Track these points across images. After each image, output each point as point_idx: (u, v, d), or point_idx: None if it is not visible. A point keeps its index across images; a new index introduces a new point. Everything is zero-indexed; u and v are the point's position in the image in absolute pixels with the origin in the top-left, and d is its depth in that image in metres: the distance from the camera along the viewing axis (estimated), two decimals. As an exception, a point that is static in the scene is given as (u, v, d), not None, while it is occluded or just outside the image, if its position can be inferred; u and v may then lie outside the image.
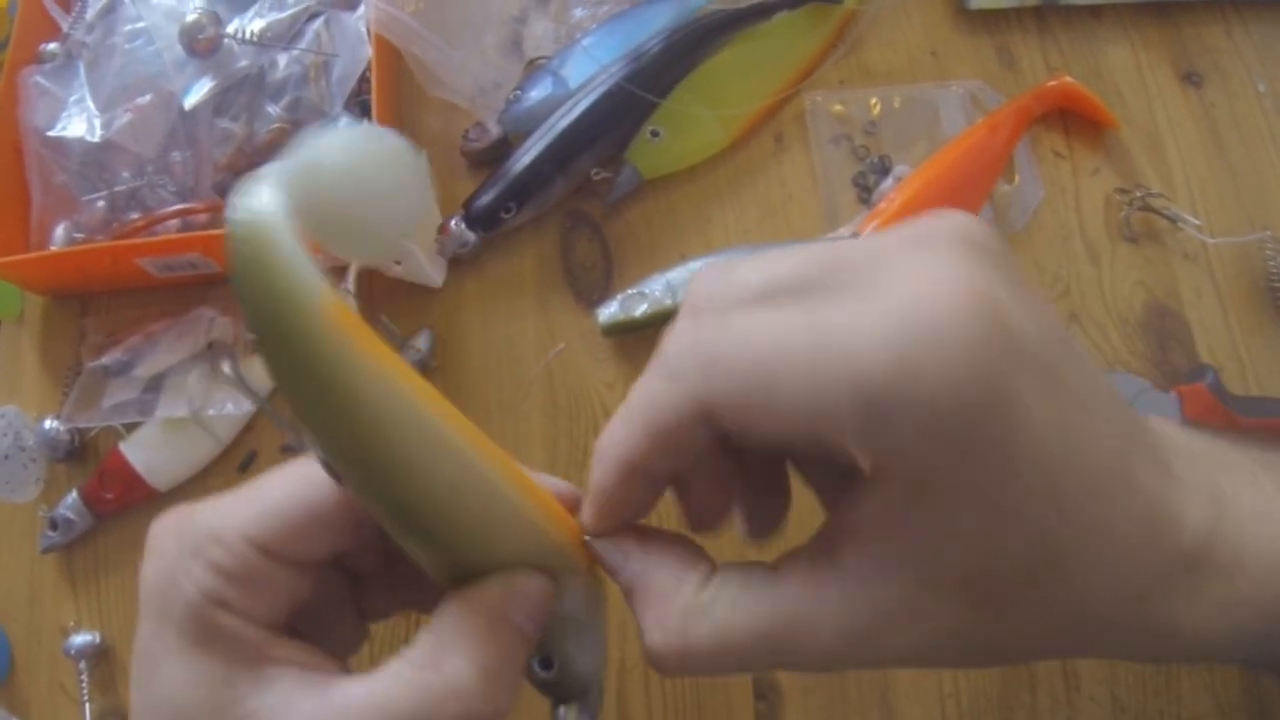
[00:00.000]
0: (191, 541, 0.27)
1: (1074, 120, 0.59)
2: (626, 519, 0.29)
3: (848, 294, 0.23)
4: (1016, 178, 0.57)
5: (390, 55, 0.55)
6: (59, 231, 0.55)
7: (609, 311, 0.51)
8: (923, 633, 0.24)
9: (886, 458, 0.23)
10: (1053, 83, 0.58)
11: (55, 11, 0.59)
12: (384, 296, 0.53)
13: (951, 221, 0.24)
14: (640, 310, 0.51)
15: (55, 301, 0.57)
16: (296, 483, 0.28)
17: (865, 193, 0.56)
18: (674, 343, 0.26)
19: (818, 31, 0.59)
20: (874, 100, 0.58)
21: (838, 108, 0.58)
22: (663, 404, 0.25)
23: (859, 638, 0.24)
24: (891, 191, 0.54)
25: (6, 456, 0.52)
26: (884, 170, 0.57)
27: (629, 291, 0.51)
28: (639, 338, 0.53)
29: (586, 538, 0.29)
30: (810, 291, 0.24)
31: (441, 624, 0.27)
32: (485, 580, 0.27)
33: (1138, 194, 0.57)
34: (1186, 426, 0.30)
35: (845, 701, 0.47)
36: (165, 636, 0.27)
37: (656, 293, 0.51)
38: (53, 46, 0.58)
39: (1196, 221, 0.56)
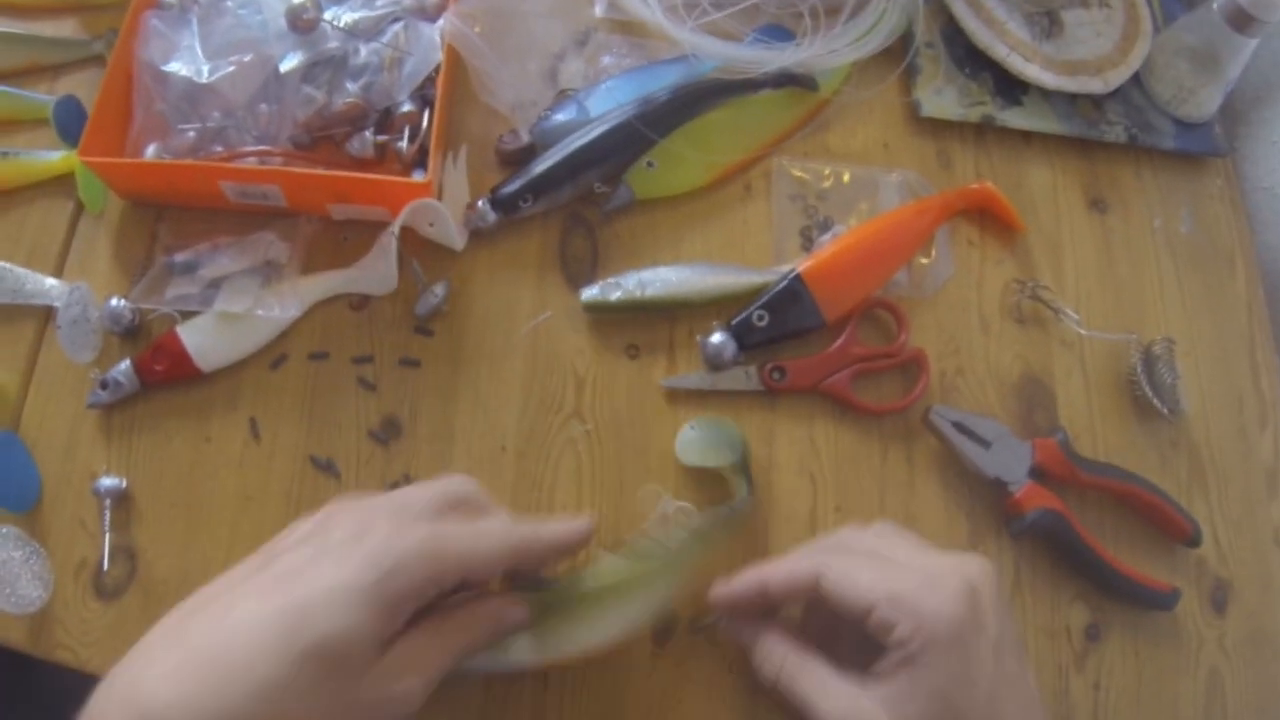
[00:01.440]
0: None
1: (990, 219, 0.69)
2: (737, 610, 0.51)
3: (907, 565, 0.45)
4: (934, 254, 0.67)
5: (455, 63, 0.64)
6: (150, 150, 0.63)
7: (590, 292, 0.61)
8: None
9: (907, 650, 0.42)
10: (976, 185, 0.69)
11: None
12: (416, 249, 0.62)
13: (961, 573, 0.44)
14: (615, 296, 0.61)
15: (133, 207, 0.65)
16: None
17: (808, 242, 0.67)
18: (818, 549, 0.49)
19: (794, 109, 0.69)
20: (828, 172, 0.69)
21: (798, 173, 0.69)
22: (803, 571, 0.46)
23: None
24: (829, 243, 0.65)
25: (74, 322, 0.60)
26: (826, 227, 0.67)
27: (608, 280, 0.62)
28: (609, 319, 0.63)
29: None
30: (888, 559, 0.46)
31: None
32: None
33: (1030, 285, 0.66)
34: None
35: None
36: None
37: (630, 285, 0.61)
38: None
39: (1076, 316, 0.66)
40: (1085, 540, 0.58)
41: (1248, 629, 0.60)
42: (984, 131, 0.72)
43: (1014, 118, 0.72)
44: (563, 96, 0.67)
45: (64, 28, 0.72)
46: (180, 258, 0.61)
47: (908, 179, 0.69)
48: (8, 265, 0.62)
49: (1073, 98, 0.74)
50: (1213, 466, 0.64)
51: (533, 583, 0.49)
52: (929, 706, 0.41)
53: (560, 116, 0.65)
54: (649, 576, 0.50)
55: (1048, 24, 0.76)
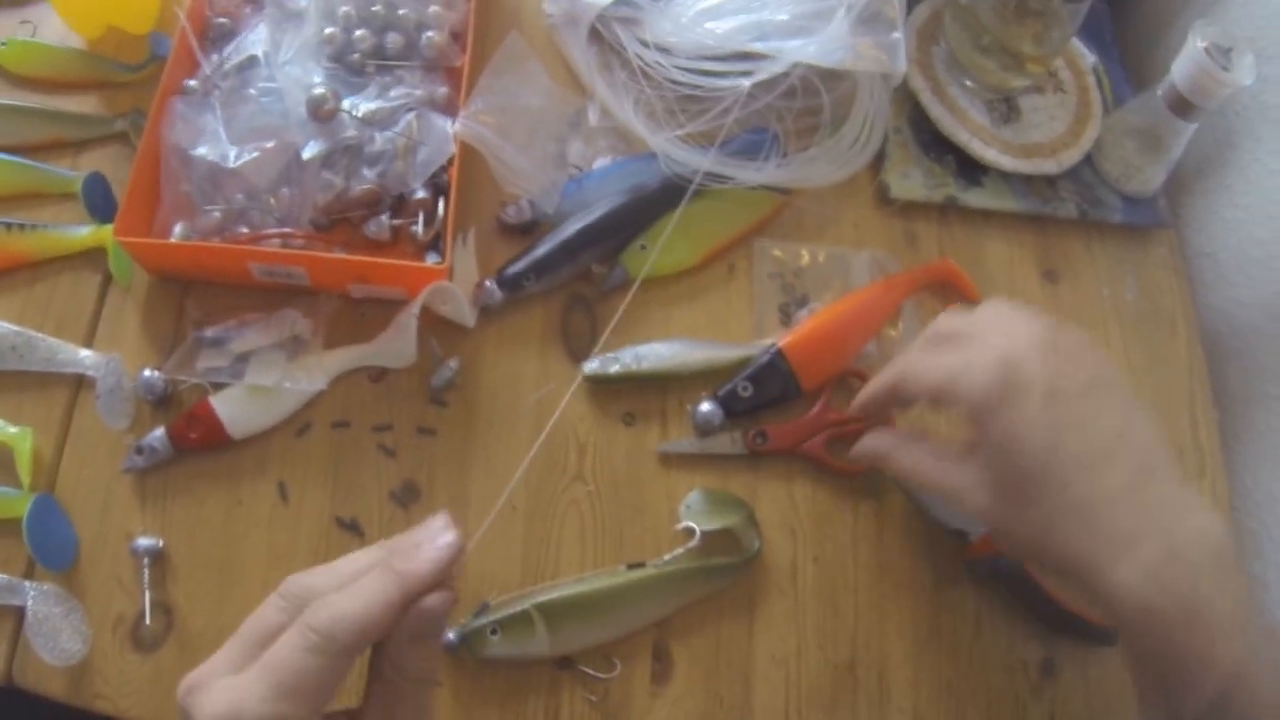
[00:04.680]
0: None
1: (952, 292, 0.74)
2: (873, 413, 0.61)
3: (975, 354, 0.51)
4: (901, 326, 0.72)
5: (466, 156, 0.68)
6: (177, 229, 0.67)
7: (591, 366, 0.66)
8: (987, 497, 0.51)
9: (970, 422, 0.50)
10: (938, 262, 0.74)
11: (199, 53, 0.73)
12: (433, 327, 0.66)
13: (1017, 326, 0.51)
14: (613, 369, 0.66)
15: (160, 281, 0.69)
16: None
17: (786, 317, 0.72)
18: (917, 353, 0.56)
19: (772, 200, 0.74)
20: (804, 253, 0.74)
21: (777, 253, 0.74)
22: (912, 372, 0.55)
23: (969, 494, 0.51)
24: (804, 321, 0.71)
25: (111, 391, 0.63)
26: (803, 303, 0.73)
27: (607, 355, 0.66)
28: (608, 389, 0.67)
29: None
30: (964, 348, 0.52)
31: None
32: None
33: None
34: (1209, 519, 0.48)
35: (718, 676, 0.61)
36: None
37: (627, 359, 0.66)
38: (192, 83, 0.71)
39: None
40: (1038, 583, 0.61)
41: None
42: (947, 210, 0.77)
43: (975, 198, 0.78)
44: (574, 174, 0.72)
45: (86, 103, 0.76)
46: (210, 332, 0.65)
47: (876, 257, 0.74)
48: (40, 335, 0.66)
49: (1028, 177, 0.80)
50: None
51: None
52: (996, 463, 0.49)
53: (563, 197, 0.70)
54: (654, 586, 0.60)
55: (1006, 110, 0.83)
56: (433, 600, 0.38)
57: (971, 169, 0.80)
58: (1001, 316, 0.53)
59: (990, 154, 0.79)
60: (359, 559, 0.39)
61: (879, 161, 0.78)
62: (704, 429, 0.66)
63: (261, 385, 0.63)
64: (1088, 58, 0.87)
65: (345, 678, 0.36)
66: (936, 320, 0.56)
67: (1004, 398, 0.48)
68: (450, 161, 0.67)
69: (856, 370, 0.69)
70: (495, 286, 0.66)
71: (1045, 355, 0.48)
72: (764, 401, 0.66)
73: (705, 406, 0.66)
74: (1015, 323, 0.51)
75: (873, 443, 0.60)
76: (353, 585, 0.37)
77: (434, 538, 0.39)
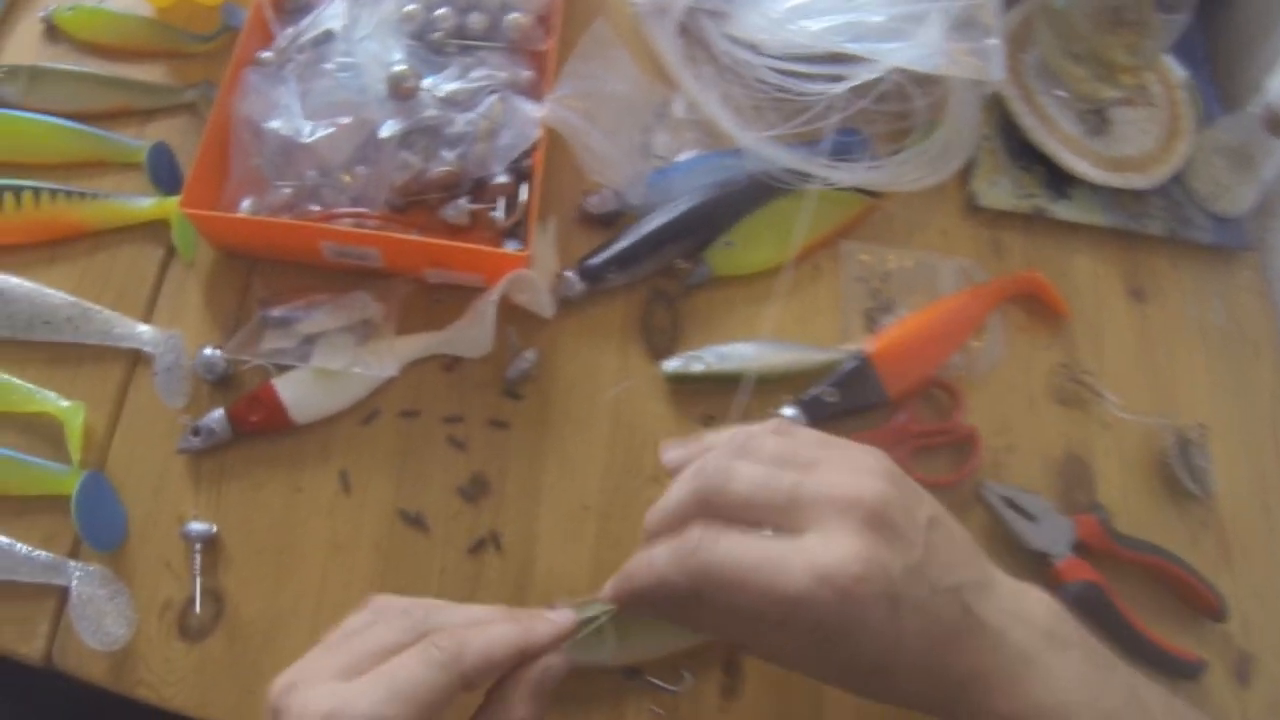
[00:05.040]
0: None
1: (1037, 304, 0.71)
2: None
3: (790, 549, 0.39)
4: (986, 337, 0.69)
5: (551, 142, 0.66)
6: (245, 204, 0.65)
7: (673, 364, 0.64)
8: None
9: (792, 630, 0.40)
10: (1026, 273, 0.71)
11: (274, 25, 0.71)
12: (509, 316, 0.64)
13: (862, 506, 0.40)
14: (696, 368, 0.64)
15: (226, 257, 0.67)
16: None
17: (871, 323, 0.69)
18: (687, 541, 0.42)
19: (860, 203, 0.72)
20: (891, 258, 0.72)
21: (864, 257, 0.72)
22: (675, 584, 0.42)
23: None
24: (891, 325, 0.68)
25: (169, 369, 0.62)
26: (889, 309, 0.70)
27: (690, 353, 0.64)
28: (689, 388, 0.65)
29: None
30: (777, 522, 0.41)
31: None
32: None
33: (1074, 371, 0.69)
34: (1034, 600, 0.44)
35: (790, 692, 0.58)
36: None
37: (710, 359, 0.64)
38: (266, 54, 0.69)
39: (1116, 399, 0.68)
40: (1121, 611, 0.59)
41: (1270, 700, 0.61)
42: (1034, 221, 0.74)
43: (1063, 210, 0.75)
44: (659, 165, 0.69)
45: (154, 73, 0.74)
46: (277, 312, 0.62)
47: (963, 266, 0.72)
48: (97, 307, 0.64)
49: (1117, 191, 0.77)
50: (1239, 544, 0.65)
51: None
52: (843, 664, 0.42)
53: (648, 188, 0.68)
54: None
55: (1097, 121, 0.80)
56: (556, 660, 0.42)
57: (1060, 180, 0.77)
58: (829, 451, 0.44)
59: (1080, 165, 0.76)
60: (477, 609, 0.42)
61: (967, 169, 0.76)
62: None
63: (328, 369, 0.60)
64: (1178, 72, 0.84)
65: (449, 709, 0.37)
66: (753, 432, 0.45)
67: (857, 616, 0.39)
68: (534, 146, 0.65)
69: (942, 381, 0.66)
70: (576, 277, 0.65)
71: (889, 538, 0.40)
72: (848, 409, 0.64)
73: (788, 411, 0.64)
74: (844, 485, 0.41)
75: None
76: (481, 624, 0.40)
77: (553, 616, 0.43)
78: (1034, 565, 0.61)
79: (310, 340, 0.62)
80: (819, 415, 0.64)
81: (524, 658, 0.41)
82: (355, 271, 0.64)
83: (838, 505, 0.40)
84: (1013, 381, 0.68)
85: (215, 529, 0.58)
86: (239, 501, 0.59)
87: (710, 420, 0.65)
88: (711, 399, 0.65)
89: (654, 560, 0.43)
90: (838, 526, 0.39)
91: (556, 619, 0.42)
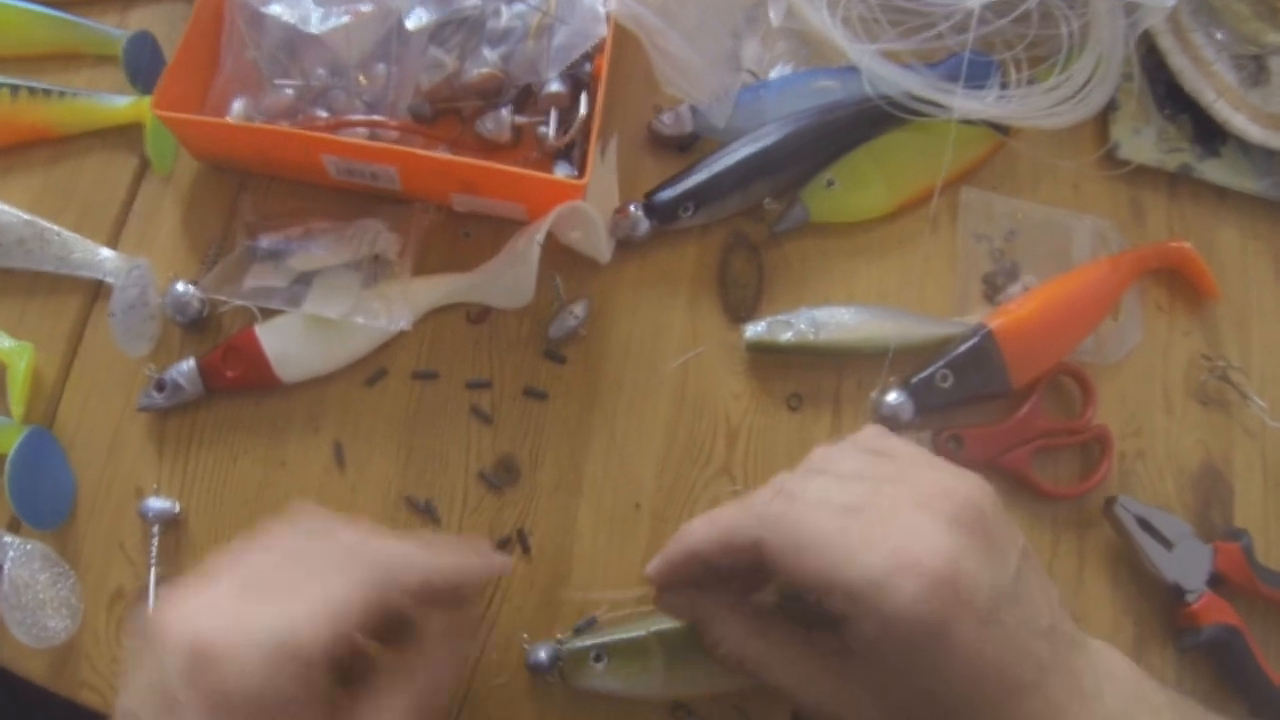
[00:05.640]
0: None
1: (1180, 282, 0.62)
2: (676, 582, 0.43)
3: (874, 524, 0.36)
4: (1121, 316, 0.60)
5: (620, 44, 0.57)
6: (237, 105, 0.56)
7: (756, 330, 0.54)
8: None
9: (857, 631, 0.36)
10: (1175, 244, 0.62)
11: None
12: (556, 259, 0.56)
13: (955, 501, 0.37)
14: (785, 336, 0.54)
15: (210, 171, 0.58)
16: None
17: (992, 291, 0.60)
18: (764, 498, 0.40)
19: (988, 140, 0.62)
20: (1018, 212, 0.62)
21: (986, 208, 0.62)
22: (739, 530, 0.39)
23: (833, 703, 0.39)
24: (1016, 298, 0.58)
25: (131, 307, 0.52)
26: (1013, 275, 0.60)
27: (778, 317, 0.54)
28: (774, 361, 0.56)
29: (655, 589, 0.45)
30: (853, 511, 0.37)
31: None
32: None
33: (1220, 364, 0.60)
34: (1118, 659, 0.40)
35: None
36: None
37: (802, 325, 0.54)
38: None
39: (1263, 404, 0.60)
40: (1260, 663, 0.53)
41: None
42: (1178, 182, 0.65)
43: (1212, 170, 0.66)
44: (748, 81, 0.60)
45: (140, -49, 0.65)
46: (265, 242, 0.54)
47: (1100, 228, 0.63)
48: (54, 228, 0.56)
49: (1271, 154, 0.67)
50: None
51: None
52: (910, 700, 0.38)
53: (735, 108, 0.58)
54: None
55: (1255, 69, 0.69)
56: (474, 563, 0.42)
57: (1210, 135, 0.67)
58: (919, 468, 0.40)
59: (1238, 120, 0.65)
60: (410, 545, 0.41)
61: (1105, 114, 0.66)
62: (889, 424, 0.54)
63: (325, 316, 0.51)
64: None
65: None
66: (813, 455, 0.43)
67: (936, 633, 0.35)
68: (598, 48, 0.55)
69: (1072, 368, 0.58)
70: (642, 214, 0.55)
71: (983, 546, 0.37)
72: (965, 396, 0.55)
73: (893, 397, 0.54)
74: (934, 520, 0.38)
75: (721, 625, 0.44)
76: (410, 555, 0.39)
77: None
78: (1163, 601, 0.55)
79: (305, 279, 0.52)
80: (931, 404, 0.55)
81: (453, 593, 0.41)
82: (366, 194, 0.56)
83: (928, 497, 0.37)
84: (1148, 371, 0.60)
85: (179, 507, 0.51)
86: (209, 474, 0.52)
87: (797, 401, 0.56)
88: (800, 375, 0.57)
89: (718, 515, 0.41)
90: (928, 520, 0.36)
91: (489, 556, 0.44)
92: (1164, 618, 0.55)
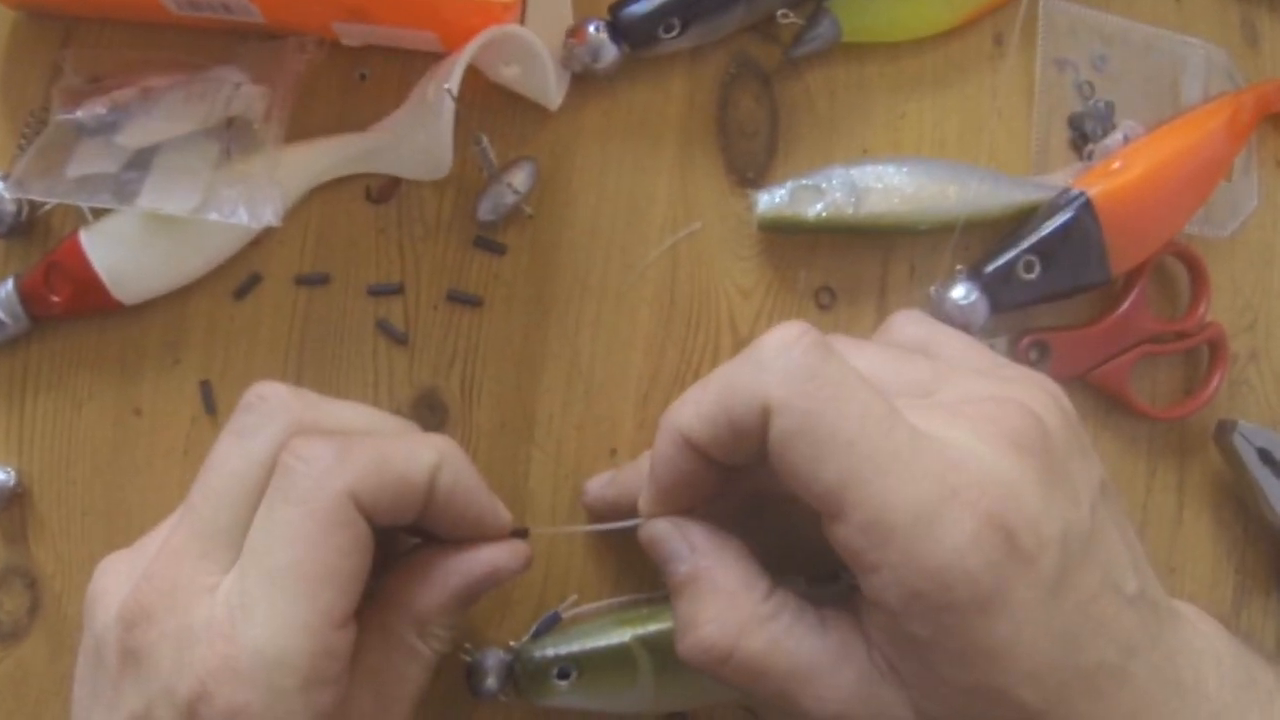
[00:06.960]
0: None
1: None
2: (680, 505, 0.33)
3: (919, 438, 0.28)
4: (1234, 178, 0.52)
5: None
6: None
7: (773, 200, 0.43)
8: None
9: (877, 591, 0.28)
10: None
11: None
12: (485, 109, 0.44)
13: (1016, 416, 0.29)
14: (813, 210, 0.42)
15: (26, 20, 0.46)
16: None
17: (1082, 139, 0.49)
18: (773, 343, 0.29)
19: None
20: (1109, 28, 0.52)
21: (1070, 22, 0.52)
22: (741, 389, 0.29)
23: (856, 712, 0.29)
24: (1117, 155, 0.48)
25: None
26: (1107, 118, 0.50)
27: (803, 181, 0.43)
28: (796, 243, 0.45)
29: (648, 519, 0.33)
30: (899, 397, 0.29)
31: None
32: None
33: None
34: (1216, 632, 0.33)
35: None
36: None
37: (837, 193, 0.42)
38: None
39: None
40: None
41: None
42: None
43: None
44: None
45: None
46: (88, 112, 0.42)
47: (1214, 58, 0.53)
48: None
49: None
50: None
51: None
52: (950, 702, 0.30)
53: None
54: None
55: None
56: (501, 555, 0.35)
57: None
58: (967, 370, 0.34)
59: None
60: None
61: None
62: (955, 326, 0.44)
63: (166, 214, 0.40)
64: None
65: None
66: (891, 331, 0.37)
67: (992, 597, 0.28)
68: None
69: (1180, 248, 0.49)
70: (606, 36, 0.43)
71: (1050, 478, 0.29)
72: (1053, 290, 0.45)
73: (960, 292, 0.44)
74: (996, 389, 0.32)
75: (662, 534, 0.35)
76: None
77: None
78: (1271, 546, 0.51)
79: (142, 161, 0.40)
80: (1011, 301, 0.45)
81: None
82: (221, 32, 0.44)
83: (986, 406, 0.30)
84: (1267, 247, 0.53)
85: (15, 477, 0.43)
86: (50, 432, 0.44)
87: (829, 296, 0.46)
88: (831, 257, 0.46)
89: (712, 375, 0.32)
90: (976, 442, 0.28)
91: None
92: (1270, 565, 0.51)
